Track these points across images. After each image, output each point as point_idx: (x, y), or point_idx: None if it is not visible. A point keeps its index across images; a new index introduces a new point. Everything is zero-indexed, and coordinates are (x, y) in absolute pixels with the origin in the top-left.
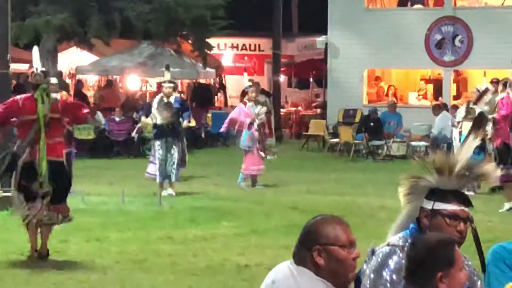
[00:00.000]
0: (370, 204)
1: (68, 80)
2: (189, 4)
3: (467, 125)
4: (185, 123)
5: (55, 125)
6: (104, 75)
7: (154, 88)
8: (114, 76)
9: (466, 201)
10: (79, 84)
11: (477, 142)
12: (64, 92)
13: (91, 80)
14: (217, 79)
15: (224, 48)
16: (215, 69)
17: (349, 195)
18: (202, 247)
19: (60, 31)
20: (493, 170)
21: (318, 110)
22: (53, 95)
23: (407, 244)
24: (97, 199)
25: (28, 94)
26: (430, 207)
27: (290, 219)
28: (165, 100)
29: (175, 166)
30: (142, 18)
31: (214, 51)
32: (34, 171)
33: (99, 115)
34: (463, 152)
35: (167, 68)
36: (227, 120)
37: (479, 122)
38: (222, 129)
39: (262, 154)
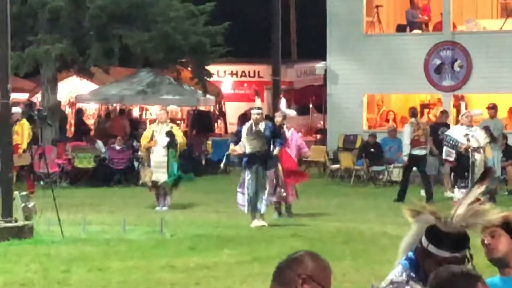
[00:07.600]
0: (372, 230)
1: (68, 109)
2: (187, 32)
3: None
4: (276, 150)
5: None
6: (104, 104)
7: (154, 116)
8: (114, 104)
9: (461, 246)
10: (80, 113)
11: (480, 192)
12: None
13: (91, 109)
14: (217, 106)
15: (224, 75)
16: (215, 96)
17: (350, 221)
18: (204, 275)
19: (60, 60)
20: (495, 215)
21: (318, 136)
22: None
23: (411, 276)
24: (98, 228)
25: None
26: (426, 246)
27: (291, 246)
28: (254, 127)
29: (265, 197)
30: (141, 46)
31: (214, 78)
32: None
33: (99, 143)
34: (464, 203)
35: (257, 94)
36: None
37: (485, 174)
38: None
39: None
